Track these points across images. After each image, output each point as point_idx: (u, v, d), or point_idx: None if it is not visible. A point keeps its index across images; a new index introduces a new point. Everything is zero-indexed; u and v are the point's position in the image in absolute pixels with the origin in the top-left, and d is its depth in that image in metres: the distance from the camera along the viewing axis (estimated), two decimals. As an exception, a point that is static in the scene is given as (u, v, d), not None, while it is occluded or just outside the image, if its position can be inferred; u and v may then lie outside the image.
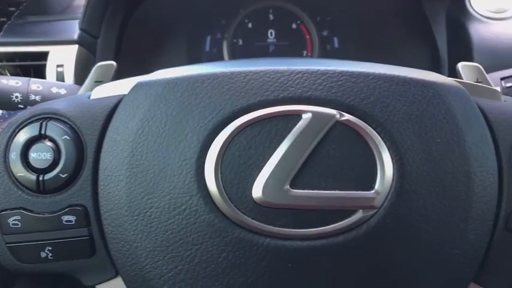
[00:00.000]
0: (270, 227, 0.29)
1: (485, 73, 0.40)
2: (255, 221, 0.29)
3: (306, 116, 0.30)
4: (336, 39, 0.78)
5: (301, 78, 0.30)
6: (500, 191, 0.31)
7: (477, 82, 0.39)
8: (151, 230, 0.30)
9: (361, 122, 0.30)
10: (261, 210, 0.29)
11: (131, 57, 0.74)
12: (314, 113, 0.30)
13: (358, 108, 0.30)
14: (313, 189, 0.29)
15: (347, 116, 0.30)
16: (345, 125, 0.30)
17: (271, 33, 0.78)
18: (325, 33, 0.78)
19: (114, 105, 0.32)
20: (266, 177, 0.29)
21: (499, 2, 0.61)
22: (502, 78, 0.47)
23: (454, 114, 0.30)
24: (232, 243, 0.29)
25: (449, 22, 0.65)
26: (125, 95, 0.32)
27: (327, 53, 0.78)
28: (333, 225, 0.29)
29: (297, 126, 0.30)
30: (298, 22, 0.78)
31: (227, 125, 0.30)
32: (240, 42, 0.78)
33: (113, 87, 0.34)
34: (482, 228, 0.30)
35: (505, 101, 0.33)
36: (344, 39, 0.77)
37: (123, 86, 0.33)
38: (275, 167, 0.29)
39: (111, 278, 0.33)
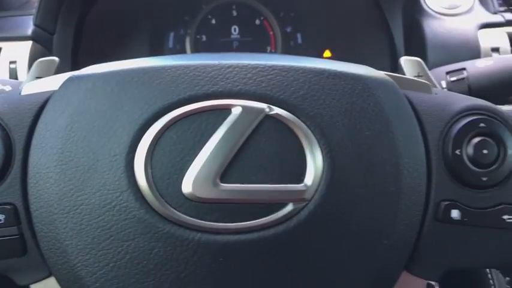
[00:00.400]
0: (201, 221, 0.29)
1: (425, 67, 0.41)
2: (185, 216, 0.29)
3: (236, 110, 0.30)
4: (299, 35, 0.78)
5: (232, 73, 0.30)
6: (429, 182, 0.31)
7: (418, 76, 0.40)
8: (82, 228, 0.30)
9: (291, 115, 0.30)
10: (191, 205, 0.29)
11: (91, 55, 0.72)
12: (244, 107, 0.30)
13: (288, 102, 0.30)
14: (243, 183, 0.29)
15: (276, 110, 0.30)
16: (275, 118, 0.30)
17: (234, 29, 0.78)
18: (288, 29, 0.78)
19: (44, 101, 0.32)
20: (196, 172, 0.29)
21: (452, -2, 0.62)
22: (447, 72, 0.48)
23: (382, 107, 0.31)
24: (163, 238, 0.29)
25: (405, 18, 0.66)
26: (55, 91, 0.32)
27: (290, 49, 0.78)
28: (263, 219, 0.29)
29: (227, 120, 0.30)
30: (262, 18, 0.78)
31: (157, 120, 0.30)
32: (204, 38, 0.78)
33: (45, 83, 0.33)
34: (412, 219, 0.31)
35: (435, 94, 0.34)
36: (307, 35, 0.78)
37: (55, 82, 0.32)
38: (205, 161, 0.29)
39: (45, 277, 0.32)
